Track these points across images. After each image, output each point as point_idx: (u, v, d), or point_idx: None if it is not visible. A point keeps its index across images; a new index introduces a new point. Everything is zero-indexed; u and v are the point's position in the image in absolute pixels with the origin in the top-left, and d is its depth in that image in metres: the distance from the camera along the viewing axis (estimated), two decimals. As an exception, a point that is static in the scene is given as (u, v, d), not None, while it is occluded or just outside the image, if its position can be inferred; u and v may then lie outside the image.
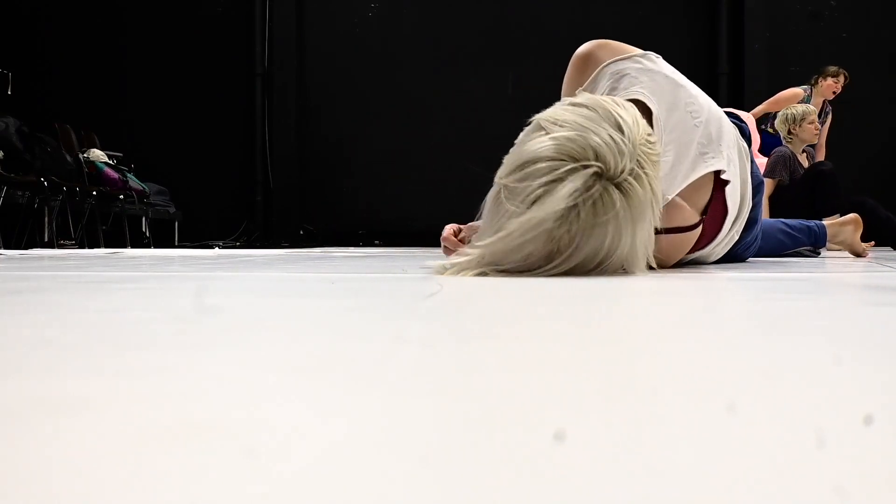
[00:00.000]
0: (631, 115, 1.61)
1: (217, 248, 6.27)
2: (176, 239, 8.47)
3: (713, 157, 1.98)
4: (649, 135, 1.63)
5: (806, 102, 5.94)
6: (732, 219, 2.11)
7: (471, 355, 0.61)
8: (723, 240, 2.13)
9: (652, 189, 1.58)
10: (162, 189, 8.41)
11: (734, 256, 2.38)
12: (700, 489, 0.28)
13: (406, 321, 0.88)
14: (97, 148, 7.60)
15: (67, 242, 6.58)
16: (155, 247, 7.11)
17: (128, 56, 8.94)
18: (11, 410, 0.41)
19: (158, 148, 8.64)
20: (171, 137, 8.77)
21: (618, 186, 1.52)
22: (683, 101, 2.01)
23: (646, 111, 1.92)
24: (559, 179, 1.50)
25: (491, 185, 1.65)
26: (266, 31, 9.00)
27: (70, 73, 8.82)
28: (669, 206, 1.86)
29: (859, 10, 8.53)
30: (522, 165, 1.55)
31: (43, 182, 6.22)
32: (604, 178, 1.52)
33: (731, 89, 8.23)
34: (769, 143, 5.74)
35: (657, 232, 1.66)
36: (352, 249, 5.67)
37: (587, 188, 1.50)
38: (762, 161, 5.19)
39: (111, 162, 7.59)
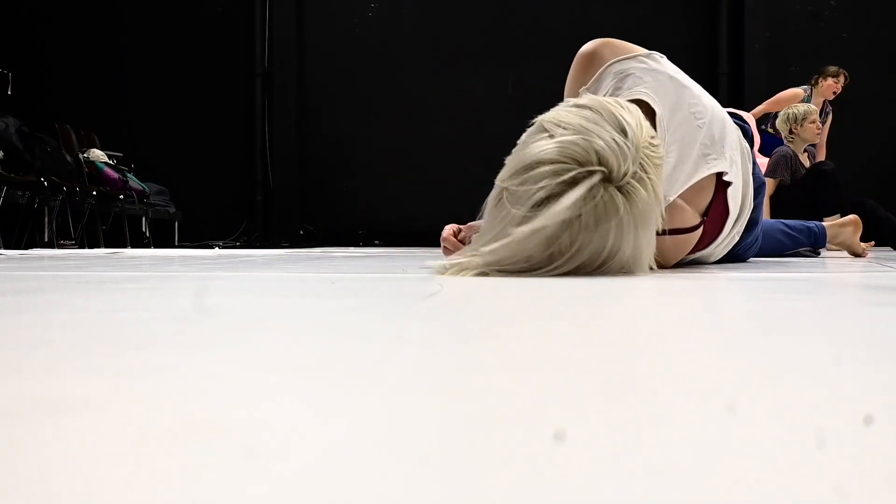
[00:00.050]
0: (635, 118, 1.61)
1: (217, 248, 6.27)
2: (176, 239, 8.47)
3: (715, 159, 1.97)
4: (652, 137, 1.62)
5: (806, 102, 5.94)
6: (733, 220, 2.11)
7: (471, 355, 0.61)
8: (723, 241, 2.13)
9: (654, 192, 1.58)
10: (162, 189, 8.41)
11: (734, 257, 2.38)
12: (700, 489, 0.28)
13: (406, 321, 0.88)
14: (97, 148, 7.60)
15: (67, 242, 6.58)
16: (155, 247, 7.11)
17: (128, 56, 8.94)
18: (11, 410, 0.41)
19: (158, 148, 8.64)
20: (171, 137, 8.77)
21: (620, 190, 1.52)
22: (687, 101, 2.00)
23: (649, 111, 1.92)
24: (562, 184, 1.50)
25: (491, 186, 1.65)
26: (266, 31, 9.00)
27: (70, 73, 8.82)
28: (670, 208, 1.86)
29: (859, 10, 8.53)
30: (525, 168, 1.54)
31: (43, 182, 6.22)
32: (607, 181, 1.52)
33: (731, 89, 8.23)
34: (769, 143, 5.74)
35: (658, 233, 1.66)
36: (352, 249, 5.67)
37: (592, 196, 1.50)
38: (762, 161, 5.19)
39: (111, 162, 7.59)
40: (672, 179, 1.91)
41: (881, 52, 8.40)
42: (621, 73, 2.04)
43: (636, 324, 0.89)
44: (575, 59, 2.19)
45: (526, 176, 1.53)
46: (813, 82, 6.28)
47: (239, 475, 0.29)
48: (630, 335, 0.77)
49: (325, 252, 4.70)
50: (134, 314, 0.96)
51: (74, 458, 0.32)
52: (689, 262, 2.12)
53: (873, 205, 5.34)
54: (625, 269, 1.57)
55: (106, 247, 6.37)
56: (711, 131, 1.99)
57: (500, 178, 1.60)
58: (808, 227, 3.18)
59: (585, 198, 1.49)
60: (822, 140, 6.11)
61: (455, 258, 1.63)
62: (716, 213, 2.03)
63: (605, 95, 2.01)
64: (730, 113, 2.26)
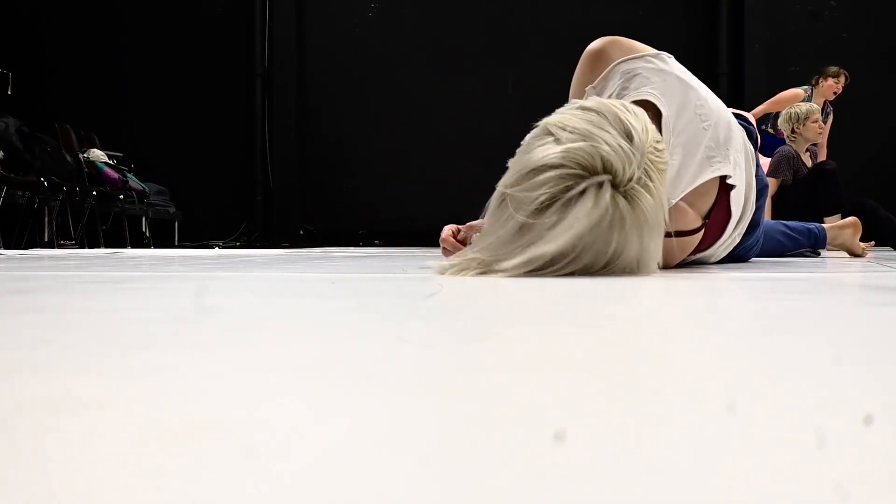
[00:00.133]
0: (641, 122, 1.60)
1: (217, 248, 6.27)
2: (176, 239, 8.47)
3: (720, 162, 1.97)
4: (657, 142, 1.62)
5: (807, 102, 5.94)
6: (735, 222, 2.11)
7: (471, 355, 0.61)
8: (724, 242, 2.13)
9: (659, 197, 1.57)
10: (162, 189, 8.41)
11: (736, 257, 2.38)
12: (700, 489, 0.28)
13: (406, 321, 0.88)
14: (97, 148, 7.60)
15: (67, 242, 6.58)
16: (155, 247, 7.11)
17: (128, 56, 8.94)
18: (11, 410, 0.41)
19: (158, 148, 8.64)
20: (171, 137, 8.77)
21: (624, 195, 1.52)
22: (693, 103, 2.00)
23: (655, 113, 1.92)
24: (567, 189, 1.50)
25: (491, 185, 1.64)
26: (266, 31, 9.00)
27: (70, 73, 8.82)
28: (672, 210, 1.86)
29: (859, 10, 8.53)
30: (530, 173, 1.53)
31: (43, 182, 6.22)
32: (611, 187, 1.51)
33: (731, 89, 8.23)
34: (769, 143, 5.74)
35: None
36: (352, 249, 5.67)
37: (596, 201, 1.49)
38: (763, 161, 5.19)
39: (111, 162, 7.59)
40: (675, 182, 1.91)
41: (881, 52, 8.40)
42: (629, 72, 2.03)
43: (636, 324, 0.89)
44: (582, 57, 2.18)
45: (531, 181, 1.52)
46: (813, 82, 6.28)
47: (239, 475, 0.29)
48: (630, 335, 0.77)
49: (325, 252, 4.70)
50: (134, 314, 0.96)
51: (74, 458, 0.32)
52: (690, 263, 2.12)
53: (873, 205, 5.35)
54: (629, 271, 1.57)
55: (106, 247, 6.37)
56: (717, 134, 1.98)
57: (504, 183, 1.58)
58: (809, 229, 3.20)
59: (592, 207, 1.49)
60: (822, 140, 6.11)
61: (455, 259, 1.63)
62: (718, 216, 2.02)
63: (611, 95, 2.01)
64: (734, 114, 2.26)
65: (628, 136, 1.55)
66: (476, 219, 2.04)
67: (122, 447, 0.33)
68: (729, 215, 2.05)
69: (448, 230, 2.17)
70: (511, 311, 1.01)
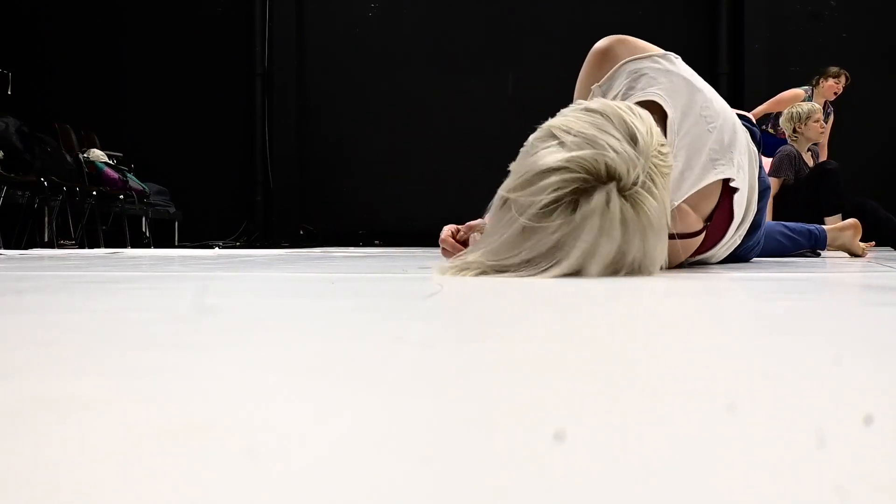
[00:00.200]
0: (646, 125, 1.59)
1: (217, 248, 6.27)
2: (176, 239, 8.48)
3: (723, 165, 1.96)
4: (662, 145, 1.61)
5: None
6: (737, 224, 2.11)
7: (471, 355, 0.61)
8: (726, 243, 2.13)
9: (662, 200, 1.57)
10: (162, 189, 8.41)
11: (736, 257, 2.38)
12: (700, 489, 0.28)
13: (406, 321, 0.88)
14: (97, 148, 7.61)
15: (67, 242, 6.58)
16: (155, 247, 7.11)
17: (128, 56, 8.94)
18: (11, 410, 0.41)
19: (158, 148, 8.64)
20: (171, 137, 8.77)
21: (627, 199, 1.52)
22: (699, 104, 1.99)
23: (660, 113, 1.91)
24: (571, 193, 1.50)
25: (491, 185, 1.64)
26: (266, 31, 9.01)
27: (70, 73, 8.82)
28: (674, 212, 1.86)
29: (859, 10, 8.54)
30: (534, 177, 1.53)
31: (43, 182, 6.22)
32: (614, 190, 1.51)
33: (731, 89, 8.23)
34: (768, 143, 5.73)
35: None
36: (352, 249, 5.67)
37: (601, 208, 1.49)
38: (764, 161, 5.18)
39: (111, 162, 7.59)
40: (679, 184, 1.90)
41: (881, 52, 8.40)
42: (635, 72, 2.02)
43: (637, 323, 0.89)
44: (589, 55, 2.17)
45: (534, 186, 1.52)
46: (814, 83, 6.28)
47: (239, 475, 0.29)
48: (631, 335, 0.77)
49: (325, 252, 4.71)
50: (134, 314, 0.96)
51: (74, 458, 0.32)
52: (691, 263, 2.12)
53: (874, 205, 5.35)
54: (632, 273, 1.57)
55: (106, 247, 6.37)
56: (721, 136, 1.98)
57: (507, 187, 1.58)
58: (809, 230, 3.20)
59: (596, 212, 1.49)
60: (823, 140, 6.11)
61: (456, 261, 1.63)
62: (720, 219, 2.02)
63: (617, 94, 2.01)
64: (739, 115, 2.26)
65: (633, 140, 1.54)
66: (476, 218, 2.04)
67: (121, 447, 0.33)
68: (731, 218, 2.05)
69: (447, 230, 2.17)
70: (511, 311, 1.01)
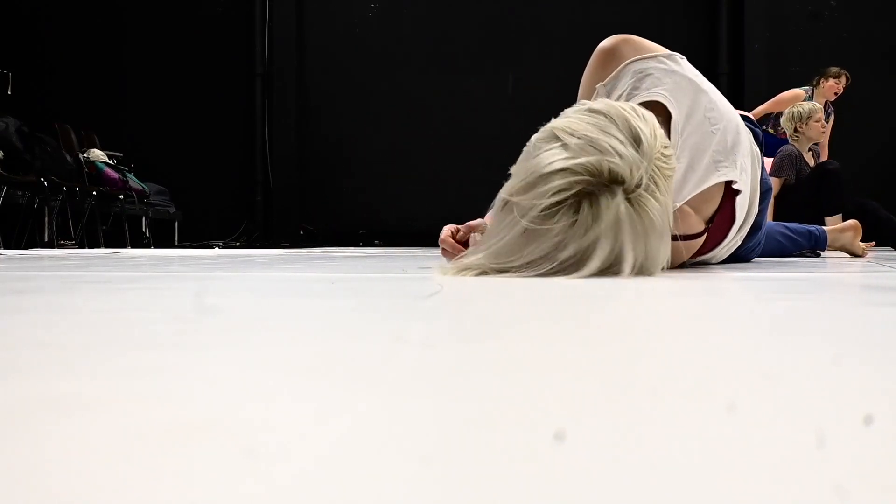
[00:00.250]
0: (650, 127, 1.58)
1: (217, 248, 6.27)
2: (176, 239, 8.47)
3: (726, 167, 1.96)
4: (665, 147, 1.60)
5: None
6: (738, 226, 2.11)
7: (471, 355, 0.61)
8: (727, 244, 2.13)
9: (664, 202, 1.57)
10: (162, 189, 8.41)
11: (737, 258, 2.38)
12: (700, 489, 0.28)
13: (406, 321, 0.88)
14: (97, 148, 7.60)
15: (67, 242, 6.58)
16: (155, 247, 7.11)
17: (128, 56, 8.94)
18: (11, 410, 0.41)
19: (158, 148, 8.64)
20: (171, 137, 8.77)
21: (630, 201, 1.51)
22: (703, 106, 1.99)
23: (665, 114, 1.91)
24: (573, 195, 1.49)
25: (491, 185, 1.64)
26: (266, 31, 9.00)
27: (70, 73, 8.82)
28: (676, 213, 1.85)
29: (859, 10, 8.54)
30: (537, 180, 1.52)
31: (43, 182, 6.22)
32: (618, 194, 1.51)
33: (731, 89, 8.22)
34: (768, 143, 5.73)
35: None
36: (352, 249, 5.67)
37: (604, 211, 1.49)
38: (765, 161, 5.17)
39: (111, 162, 7.59)
40: (681, 185, 1.90)
41: (881, 52, 8.40)
42: (640, 72, 2.02)
43: (637, 324, 0.89)
44: (594, 54, 2.17)
45: (537, 189, 1.51)
46: (814, 83, 6.27)
47: (239, 475, 0.29)
48: (631, 335, 0.77)
49: (325, 252, 4.70)
50: (134, 314, 0.96)
51: (74, 458, 0.32)
52: (692, 263, 2.12)
53: (874, 205, 5.35)
54: (633, 273, 1.56)
55: (106, 247, 6.37)
56: (725, 138, 1.98)
57: (509, 189, 1.57)
58: (809, 231, 3.20)
59: (597, 213, 1.49)
60: (824, 140, 6.11)
61: (457, 262, 1.63)
62: (721, 220, 2.02)
63: (622, 94, 2.00)
64: (742, 116, 2.26)
65: (636, 142, 1.54)
66: (476, 218, 2.04)
67: (121, 447, 0.33)
68: (733, 220, 2.05)
69: (447, 230, 2.17)
70: (511, 311, 1.01)
